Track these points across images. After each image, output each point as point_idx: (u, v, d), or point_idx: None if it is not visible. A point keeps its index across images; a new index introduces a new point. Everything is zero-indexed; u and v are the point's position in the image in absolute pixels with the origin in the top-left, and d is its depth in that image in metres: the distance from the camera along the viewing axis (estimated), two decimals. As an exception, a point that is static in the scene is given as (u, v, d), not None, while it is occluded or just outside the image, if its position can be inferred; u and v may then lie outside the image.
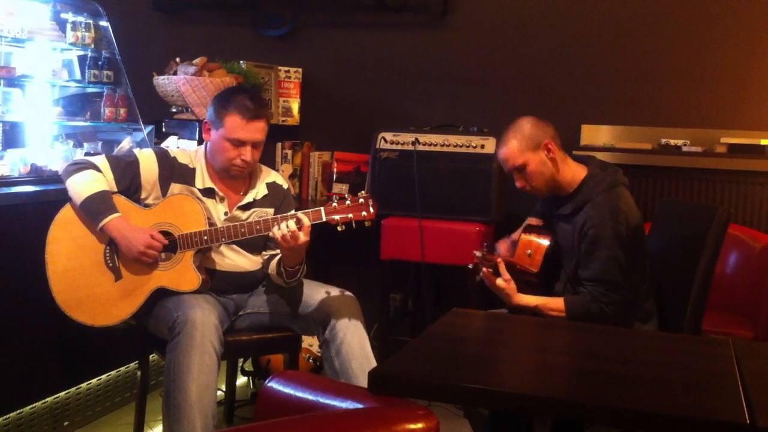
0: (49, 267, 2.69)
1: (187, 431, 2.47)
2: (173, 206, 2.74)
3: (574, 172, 2.74)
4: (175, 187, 2.79)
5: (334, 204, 2.60)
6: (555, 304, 2.69)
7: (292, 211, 2.79)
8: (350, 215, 2.59)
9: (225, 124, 2.75)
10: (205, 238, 2.68)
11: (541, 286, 2.79)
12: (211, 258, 2.80)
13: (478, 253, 2.76)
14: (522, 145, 2.71)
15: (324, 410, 1.70)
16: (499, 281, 2.71)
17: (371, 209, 2.60)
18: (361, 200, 2.60)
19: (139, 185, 2.77)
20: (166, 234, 2.71)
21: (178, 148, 3.06)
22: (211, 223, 2.73)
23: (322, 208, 2.60)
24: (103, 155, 2.83)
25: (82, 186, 2.67)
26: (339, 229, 2.59)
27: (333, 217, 2.59)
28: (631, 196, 2.76)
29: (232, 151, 2.76)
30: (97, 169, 2.72)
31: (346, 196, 2.63)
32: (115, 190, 2.73)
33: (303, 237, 2.59)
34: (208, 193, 2.82)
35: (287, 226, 2.58)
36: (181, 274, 2.70)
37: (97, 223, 2.66)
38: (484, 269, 2.73)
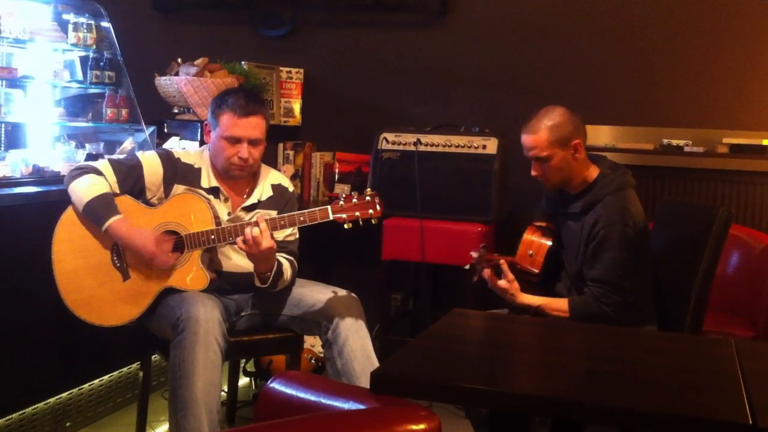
0: (56, 267, 2.69)
1: (194, 427, 2.48)
2: (179, 205, 2.74)
3: (587, 172, 2.74)
4: (178, 188, 2.79)
5: (341, 202, 2.60)
6: (558, 304, 2.70)
7: (259, 212, 2.80)
8: (357, 213, 2.59)
9: (220, 123, 2.77)
10: (213, 237, 2.68)
11: (541, 286, 2.79)
12: (215, 258, 2.81)
13: (474, 254, 2.76)
14: (552, 138, 2.66)
15: (326, 411, 1.70)
16: (502, 282, 2.71)
17: (378, 207, 2.60)
18: (368, 198, 2.61)
19: (143, 188, 2.77)
20: (172, 233, 2.71)
21: (183, 149, 3.06)
22: (218, 222, 2.73)
23: (329, 207, 2.61)
24: (106, 159, 2.84)
25: (83, 191, 2.68)
26: (346, 227, 2.60)
27: (340, 215, 2.59)
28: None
29: (229, 149, 2.76)
30: (99, 173, 2.72)
31: (352, 194, 2.63)
32: (118, 192, 2.74)
33: (264, 243, 2.59)
34: (213, 192, 2.82)
35: (250, 232, 2.59)
36: (189, 273, 2.70)
37: (100, 227, 2.66)
38: (486, 270, 2.73)
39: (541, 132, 2.67)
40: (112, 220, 2.65)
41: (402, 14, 4.27)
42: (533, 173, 2.75)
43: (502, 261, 2.72)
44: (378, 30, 4.34)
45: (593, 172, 2.75)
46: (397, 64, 4.32)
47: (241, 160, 2.77)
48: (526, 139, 2.71)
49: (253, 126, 2.77)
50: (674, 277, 2.75)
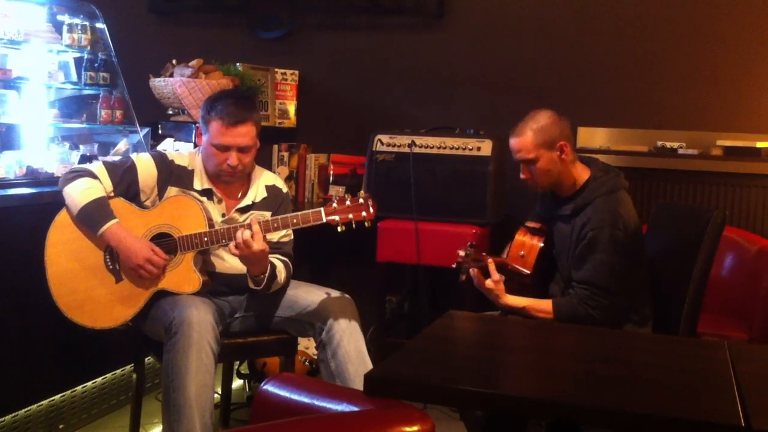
0: (49, 270, 2.68)
1: (186, 430, 2.48)
2: (172, 207, 2.74)
3: (578, 174, 2.75)
4: (171, 190, 2.79)
5: (334, 204, 2.60)
6: (543, 306, 2.70)
7: (254, 214, 2.79)
8: (350, 215, 2.58)
9: (209, 129, 2.77)
10: (206, 239, 2.68)
11: (534, 287, 2.79)
12: (209, 260, 2.80)
13: (461, 252, 2.76)
14: (537, 141, 2.69)
15: (319, 413, 1.69)
16: (488, 282, 2.71)
17: (371, 209, 2.59)
18: (361, 200, 2.60)
19: (138, 191, 2.77)
20: (165, 235, 2.71)
21: (176, 151, 3.05)
22: (211, 224, 2.72)
23: (321, 209, 2.60)
24: (100, 161, 2.83)
25: (78, 195, 2.67)
26: (339, 229, 2.59)
27: (333, 217, 2.58)
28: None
29: (218, 156, 2.76)
30: (93, 176, 2.71)
31: (345, 196, 2.63)
32: (113, 195, 2.73)
33: (256, 245, 2.58)
34: (207, 194, 2.82)
35: (241, 235, 2.58)
36: (182, 275, 2.69)
37: (96, 232, 2.66)
38: (473, 269, 2.73)
39: (526, 135, 2.70)
40: (108, 225, 2.65)
41: (399, 17, 4.27)
42: (521, 176, 2.78)
43: (489, 260, 2.72)
44: (374, 32, 4.35)
45: (584, 174, 2.75)
46: (393, 66, 4.32)
47: (230, 167, 2.77)
48: (513, 142, 2.75)
49: (242, 134, 2.76)
50: (669, 280, 2.75)
